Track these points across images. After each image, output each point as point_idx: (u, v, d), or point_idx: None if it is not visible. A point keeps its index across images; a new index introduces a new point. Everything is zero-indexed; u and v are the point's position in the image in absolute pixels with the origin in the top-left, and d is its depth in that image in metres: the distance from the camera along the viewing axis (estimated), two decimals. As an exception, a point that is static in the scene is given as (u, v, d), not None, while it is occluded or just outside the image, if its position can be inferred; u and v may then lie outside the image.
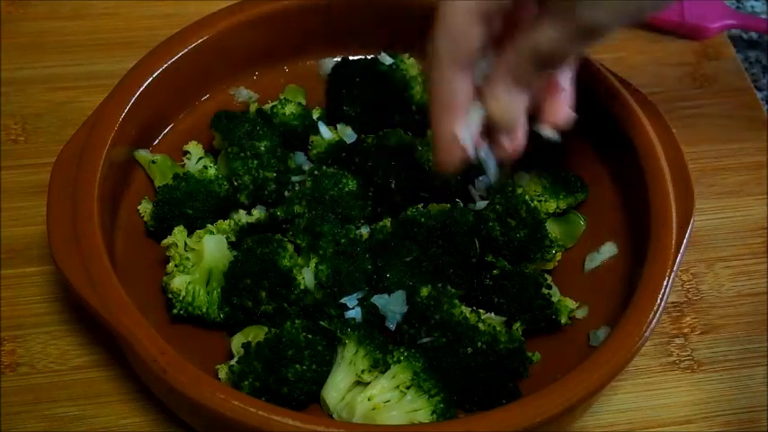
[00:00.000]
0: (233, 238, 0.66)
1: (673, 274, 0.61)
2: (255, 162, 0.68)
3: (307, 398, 0.60)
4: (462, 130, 0.57)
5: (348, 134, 0.71)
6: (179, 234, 0.66)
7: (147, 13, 0.86)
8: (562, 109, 0.60)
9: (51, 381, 0.65)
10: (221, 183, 0.69)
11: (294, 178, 0.70)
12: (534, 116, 0.60)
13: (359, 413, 0.58)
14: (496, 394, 0.61)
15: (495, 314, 0.63)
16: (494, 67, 0.56)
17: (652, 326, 0.59)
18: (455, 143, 0.57)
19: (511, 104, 0.56)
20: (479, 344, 0.61)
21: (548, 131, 0.60)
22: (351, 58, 0.76)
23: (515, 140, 0.59)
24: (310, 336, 0.61)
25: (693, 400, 0.66)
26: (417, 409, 0.59)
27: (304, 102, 0.75)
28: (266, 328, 0.63)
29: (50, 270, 0.70)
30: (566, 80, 0.60)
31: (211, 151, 0.72)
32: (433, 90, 0.57)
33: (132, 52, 0.71)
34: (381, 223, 0.67)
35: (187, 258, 0.65)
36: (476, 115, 0.58)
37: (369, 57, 0.76)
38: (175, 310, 0.64)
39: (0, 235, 0.71)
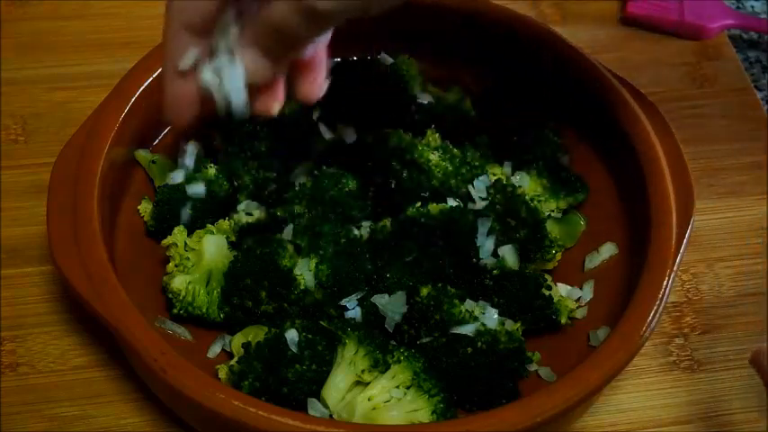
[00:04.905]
0: (233, 238, 0.66)
1: (673, 274, 0.61)
2: (255, 162, 0.68)
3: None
4: (191, 87, 0.56)
5: (348, 134, 0.71)
6: (179, 234, 0.66)
7: (147, 13, 0.86)
8: (314, 85, 0.59)
9: (51, 381, 0.65)
10: (221, 183, 0.69)
11: (294, 178, 0.70)
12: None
13: (359, 413, 0.58)
14: (496, 394, 0.61)
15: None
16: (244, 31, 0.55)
17: (652, 326, 0.59)
18: (183, 102, 0.56)
19: (258, 70, 0.55)
20: (479, 344, 0.61)
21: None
22: (351, 58, 0.76)
23: (272, 95, 0.58)
24: (310, 336, 0.61)
25: (693, 400, 0.66)
26: (417, 409, 0.59)
27: (304, 102, 0.75)
28: (266, 328, 0.63)
29: (50, 270, 0.70)
30: (319, 52, 0.58)
31: (211, 151, 0.72)
32: (164, 48, 0.55)
33: (132, 52, 0.71)
34: (381, 223, 0.67)
35: (187, 258, 0.65)
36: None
37: (369, 57, 0.76)
38: (175, 310, 0.64)
39: (0, 235, 0.71)
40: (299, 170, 0.71)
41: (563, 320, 0.65)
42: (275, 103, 0.58)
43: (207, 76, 0.56)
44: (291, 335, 0.61)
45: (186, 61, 0.55)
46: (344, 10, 0.51)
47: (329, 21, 0.52)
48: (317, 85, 0.59)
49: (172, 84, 0.56)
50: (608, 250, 0.68)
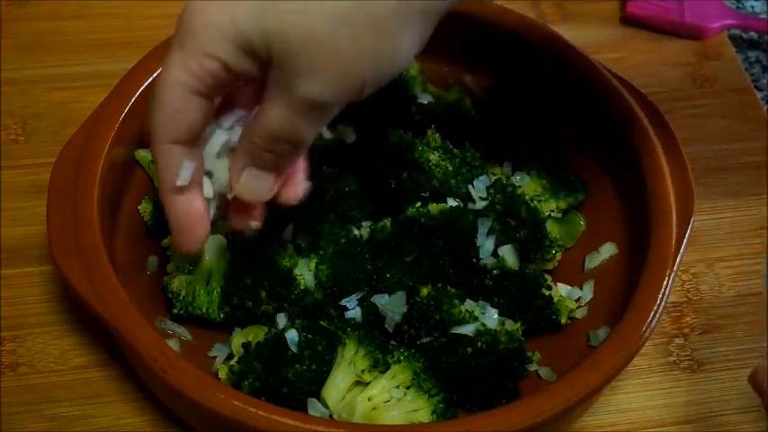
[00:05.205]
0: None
1: (673, 274, 0.61)
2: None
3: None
4: (195, 202, 0.54)
5: (348, 134, 0.71)
6: (179, 234, 0.66)
7: (147, 13, 0.86)
8: (296, 187, 0.56)
9: (51, 381, 0.65)
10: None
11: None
12: None
13: (359, 413, 0.58)
14: (496, 394, 0.61)
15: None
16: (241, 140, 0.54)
17: (652, 326, 0.59)
18: (190, 220, 0.54)
19: (253, 186, 0.53)
20: (479, 344, 0.61)
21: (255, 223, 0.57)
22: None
23: (253, 213, 0.56)
24: (310, 336, 0.61)
25: (693, 400, 0.66)
26: (417, 409, 0.59)
27: (304, 102, 0.75)
28: (266, 328, 0.63)
29: (50, 270, 0.70)
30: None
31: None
32: (158, 168, 0.53)
33: (132, 52, 0.71)
34: (381, 223, 0.67)
35: (187, 258, 0.65)
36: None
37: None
38: (175, 310, 0.64)
39: (0, 235, 0.71)
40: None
41: (563, 320, 0.65)
42: (254, 222, 0.57)
43: (209, 189, 0.55)
44: (291, 335, 0.61)
45: (183, 177, 0.52)
46: (340, 96, 0.49)
47: (328, 111, 0.50)
48: (297, 187, 0.56)
49: (174, 204, 0.53)
50: (608, 250, 0.68)
